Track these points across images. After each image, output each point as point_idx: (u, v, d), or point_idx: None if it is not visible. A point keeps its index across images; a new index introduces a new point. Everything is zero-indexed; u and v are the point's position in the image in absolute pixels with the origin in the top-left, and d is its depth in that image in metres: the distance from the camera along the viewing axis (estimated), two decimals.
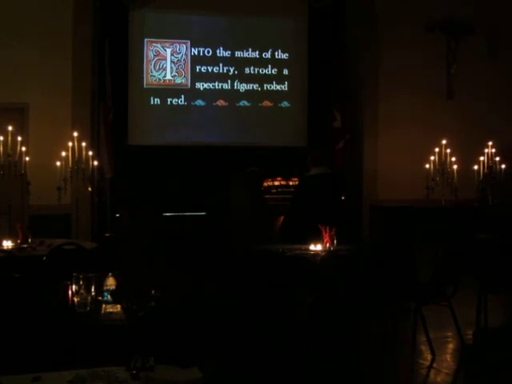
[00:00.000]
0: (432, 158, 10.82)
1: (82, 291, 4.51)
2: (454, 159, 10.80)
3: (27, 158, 9.76)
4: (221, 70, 12.61)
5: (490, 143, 10.70)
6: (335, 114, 12.34)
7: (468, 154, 10.91)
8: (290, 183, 11.65)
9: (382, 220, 12.05)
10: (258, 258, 7.97)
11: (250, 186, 11.39)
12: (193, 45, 12.49)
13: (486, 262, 7.84)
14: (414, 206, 11.51)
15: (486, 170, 10.43)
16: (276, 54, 12.88)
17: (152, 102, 12.36)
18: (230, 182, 11.44)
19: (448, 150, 10.85)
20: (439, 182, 10.71)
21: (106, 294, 4.69)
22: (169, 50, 12.40)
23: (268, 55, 12.84)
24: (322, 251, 7.41)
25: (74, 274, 4.57)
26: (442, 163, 10.81)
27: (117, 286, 4.71)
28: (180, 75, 12.46)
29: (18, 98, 10.89)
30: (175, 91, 12.46)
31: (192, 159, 12.16)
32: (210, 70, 12.56)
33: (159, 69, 12.37)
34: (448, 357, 7.05)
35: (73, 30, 11.14)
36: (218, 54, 12.59)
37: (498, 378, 6.31)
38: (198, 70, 12.52)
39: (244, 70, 12.73)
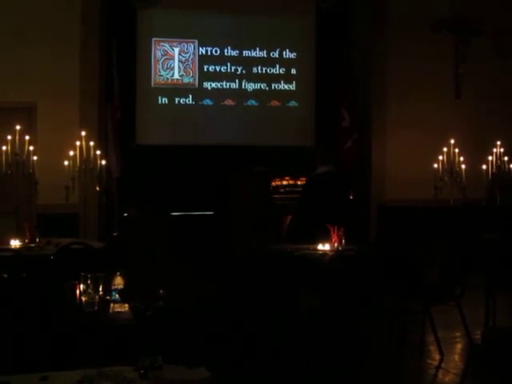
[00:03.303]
0: (440, 157, 10.79)
1: (89, 291, 4.51)
2: (462, 159, 10.76)
3: (35, 158, 9.77)
4: (229, 70, 12.61)
5: (499, 143, 10.66)
6: (343, 113, 12.32)
7: (476, 153, 10.87)
8: (298, 183, 11.62)
9: (389, 220, 12.03)
10: (266, 258, 7.97)
11: (257, 185, 11.41)
12: (200, 44, 12.48)
13: (494, 262, 7.82)
14: (422, 205, 11.48)
15: (494, 170, 10.39)
16: (284, 53, 12.87)
17: (160, 102, 12.37)
18: (237, 181, 11.46)
19: (456, 150, 10.82)
20: (447, 181, 10.68)
21: (113, 293, 4.69)
22: (176, 50, 12.40)
23: (276, 55, 12.84)
24: (330, 251, 7.39)
25: (82, 274, 4.57)
26: (451, 163, 10.78)
27: (125, 286, 4.71)
28: (188, 75, 12.46)
29: (25, 97, 10.90)
30: (183, 91, 12.46)
31: (199, 158, 12.17)
32: (217, 70, 12.55)
33: (167, 68, 12.37)
34: (456, 357, 7.04)
35: (80, 29, 11.14)
36: (226, 54, 12.59)
37: (506, 378, 6.29)
38: (205, 70, 12.52)
39: (252, 70, 12.73)
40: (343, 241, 7.55)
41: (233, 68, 12.64)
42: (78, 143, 10.17)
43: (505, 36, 12.73)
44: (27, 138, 9.73)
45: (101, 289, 4.56)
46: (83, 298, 4.52)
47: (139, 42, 12.26)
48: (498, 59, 12.73)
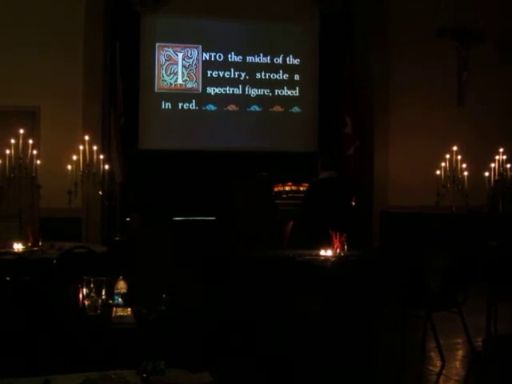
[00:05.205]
0: (443, 164, 10.81)
1: (92, 294, 4.52)
2: (464, 166, 10.78)
3: (38, 162, 9.80)
4: (232, 75, 12.62)
5: (501, 150, 10.68)
6: (346, 119, 12.31)
7: (479, 160, 10.88)
8: (301, 188, 11.59)
9: (392, 226, 12.02)
10: (268, 263, 7.96)
11: (259, 190, 11.40)
12: (204, 49, 12.50)
13: (496, 269, 7.82)
14: (425, 212, 11.48)
15: (496, 177, 10.40)
16: (287, 59, 12.88)
17: (163, 107, 12.38)
18: (239, 186, 11.45)
19: (459, 157, 10.83)
20: (450, 188, 10.69)
21: (116, 297, 4.69)
22: (180, 55, 12.42)
23: (279, 60, 12.85)
24: (332, 257, 7.39)
25: (85, 278, 4.57)
26: (453, 170, 10.80)
27: (128, 290, 4.72)
28: (191, 80, 12.47)
29: (29, 101, 10.93)
30: (186, 96, 12.48)
31: (202, 164, 12.17)
32: (221, 75, 12.57)
33: (170, 73, 12.39)
34: (458, 364, 7.03)
35: (84, 34, 11.17)
36: (230, 59, 12.60)
37: None
38: (209, 75, 12.54)
39: (255, 75, 12.74)
40: (345, 246, 7.55)
41: (236, 73, 12.65)
42: (81, 147, 10.19)
43: (508, 43, 12.74)
44: (30, 142, 9.77)
45: (103, 293, 4.56)
46: (86, 302, 4.52)
47: (143, 47, 12.28)
48: (502, 67, 12.72)
